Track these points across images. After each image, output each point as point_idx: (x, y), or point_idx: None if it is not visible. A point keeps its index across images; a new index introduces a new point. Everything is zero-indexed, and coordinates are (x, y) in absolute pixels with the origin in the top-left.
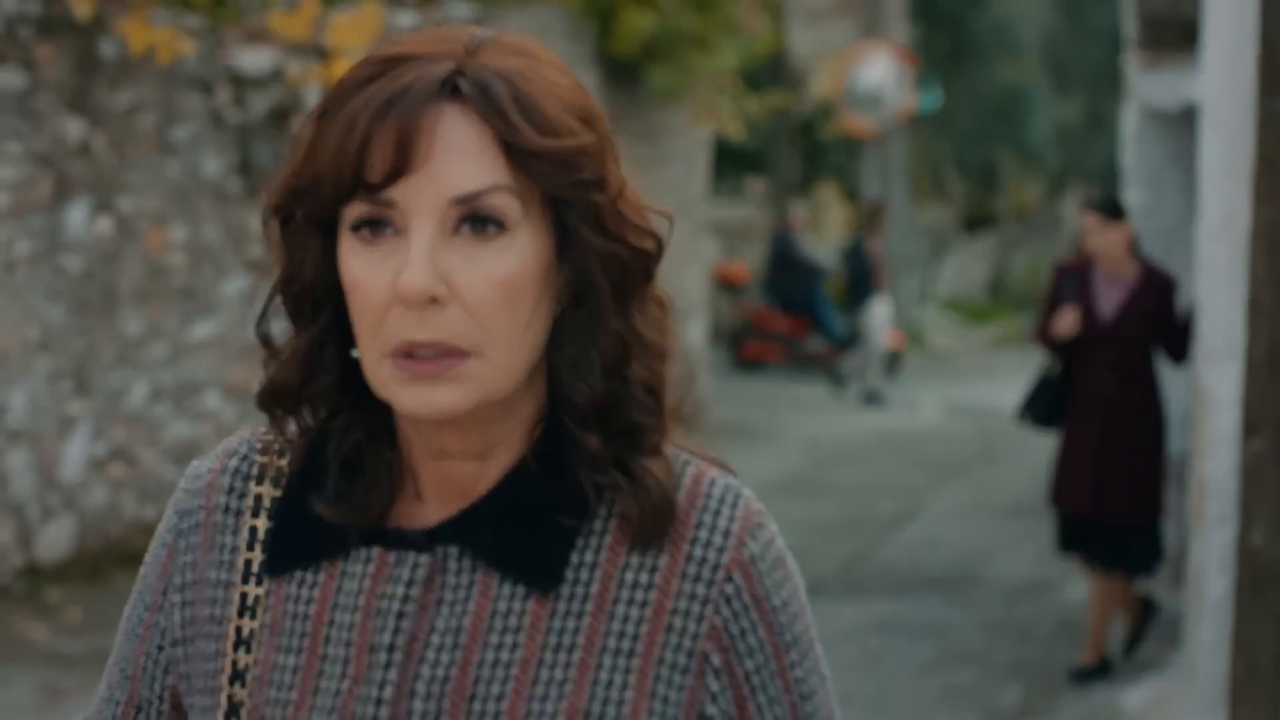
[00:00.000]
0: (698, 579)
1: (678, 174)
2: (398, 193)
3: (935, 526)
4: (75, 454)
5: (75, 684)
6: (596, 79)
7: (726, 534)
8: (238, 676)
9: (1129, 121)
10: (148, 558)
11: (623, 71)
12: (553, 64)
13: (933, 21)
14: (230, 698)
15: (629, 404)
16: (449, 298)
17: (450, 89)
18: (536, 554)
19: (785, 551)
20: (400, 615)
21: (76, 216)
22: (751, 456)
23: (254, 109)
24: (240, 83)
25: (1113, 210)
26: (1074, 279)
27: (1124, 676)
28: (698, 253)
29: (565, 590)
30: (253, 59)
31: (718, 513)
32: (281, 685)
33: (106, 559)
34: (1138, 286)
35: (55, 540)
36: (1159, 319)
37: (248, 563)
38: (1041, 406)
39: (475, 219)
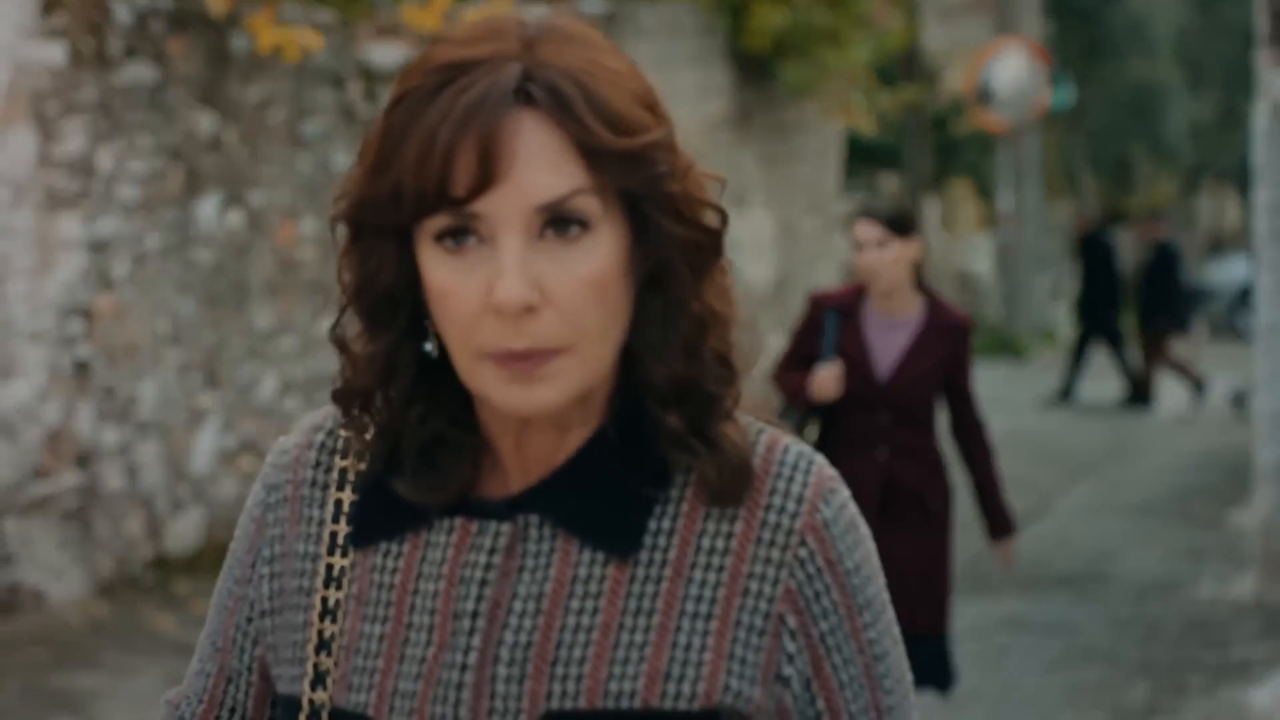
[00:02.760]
0: (772, 543)
1: (809, 170)
2: (482, 204)
3: (1065, 524)
4: (205, 447)
5: None
6: (728, 74)
7: (800, 499)
8: (324, 645)
9: (1259, 119)
10: (237, 532)
11: (755, 67)
12: (610, 51)
13: (1066, 18)
14: (316, 666)
15: (704, 376)
16: (542, 303)
17: (524, 96)
18: (615, 521)
19: (857, 517)
20: (483, 583)
21: (207, 210)
22: None
23: (385, 103)
24: (372, 77)
25: (899, 223)
26: (836, 316)
27: (1251, 675)
28: (830, 249)
29: (644, 556)
30: (384, 53)
31: (791, 479)
32: (368, 654)
33: None
34: (922, 329)
35: (184, 532)
36: (949, 374)
37: (333, 535)
38: None
39: (560, 221)
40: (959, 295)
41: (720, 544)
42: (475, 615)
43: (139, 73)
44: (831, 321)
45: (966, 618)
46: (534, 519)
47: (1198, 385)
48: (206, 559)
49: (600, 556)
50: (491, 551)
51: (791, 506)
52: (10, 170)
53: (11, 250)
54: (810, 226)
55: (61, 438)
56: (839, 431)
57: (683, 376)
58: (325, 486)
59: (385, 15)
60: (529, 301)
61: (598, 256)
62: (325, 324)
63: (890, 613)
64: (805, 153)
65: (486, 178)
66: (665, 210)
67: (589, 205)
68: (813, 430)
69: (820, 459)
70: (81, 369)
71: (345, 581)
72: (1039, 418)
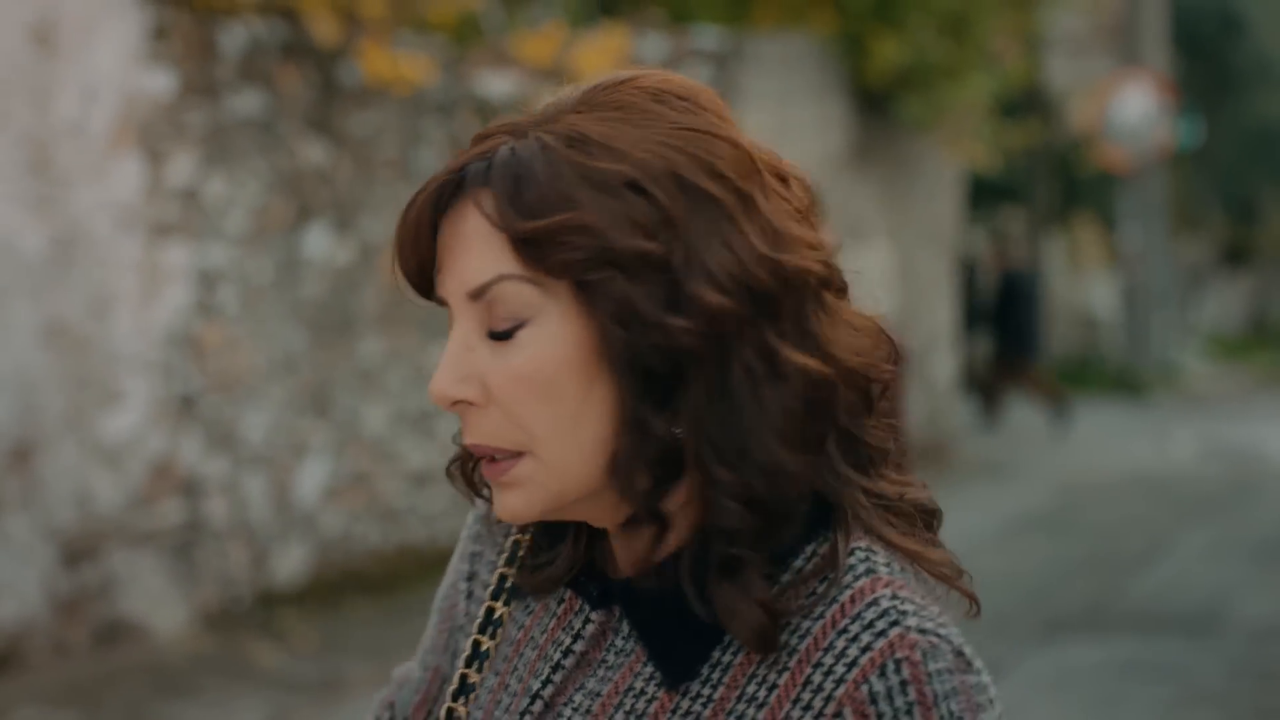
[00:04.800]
0: (808, 707)
1: (929, 205)
2: (441, 293)
3: (1183, 566)
4: (312, 479)
5: (305, 710)
6: (847, 108)
7: (852, 664)
8: (463, 690)
9: None
10: (462, 535)
11: (874, 101)
12: (648, 118)
13: (1193, 53)
14: (450, 711)
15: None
16: (486, 400)
17: (472, 180)
18: (681, 642)
19: (941, 698)
20: (558, 666)
21: (316, 240)
22: (999, 493)
23: None
24: (483, 107)
25: None
26: None
27: None
28: (949, 286)
29: (695, 687)
30: (496, 83)
31: (856, 637)
32: (478, 702)
33: (342, 586)
34: None
35: (289, 565)
36: None
37: (502, 577)
38: None
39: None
40: (1081, 333)
41: (761, 694)
42: (537, 697)
43: (248, 102)
44: None
45: (1080, 660)
46: (623, 613)
47: (1059, 410)
48: (311, 592)
49: (658, 675)
50: (577, 636)
51: (840, 670)
52: (118, 199)
53: (118, 280)
54: (930, 262)
55: (166, 469)
56: None
57: (740, 485)
58: (508, 527)
59: (497, 45)
60: (453, 395)
61: (535, 350)
62: (434, 356)
63: None
64: (925, 188)
65: (434, 267)
66: (608, 300)
67: (519, 293)
68: None
69: (919, 621)
70: (187, 399)
71: (498, 629)
72: (1157, 457)
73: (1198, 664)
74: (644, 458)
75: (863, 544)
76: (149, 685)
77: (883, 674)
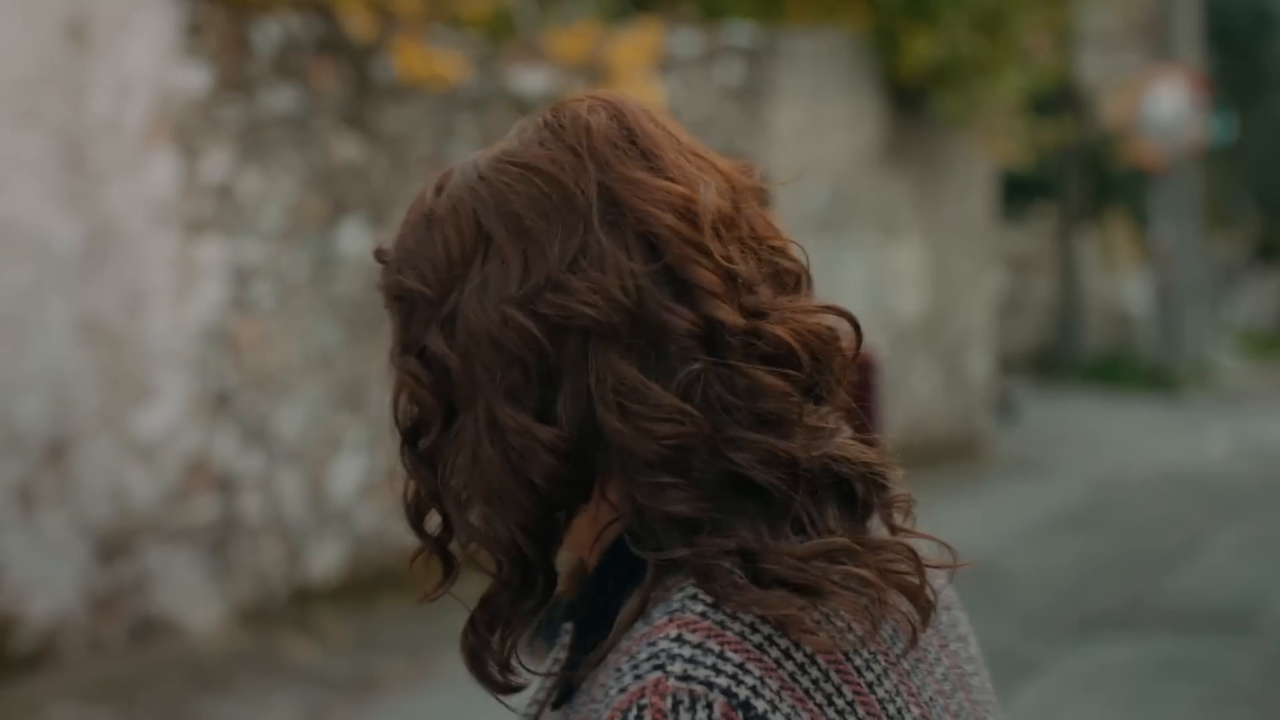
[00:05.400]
0: None
1: (961, 202)
2: None
3: (1217, 564)
4: (347, 476)
5: (340, 706)
6: (880, 104)
7: (608, 705)
8: None
9: None
10: None
11: (908, 98)
12: (505, 145)
13: (1226, 50)
14: None
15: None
16: None
17: None
18: (568, 662)
19: None
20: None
21: (351, 236)
22: (1033, 491)
23: None
24: (518, 104)
25: None
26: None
27: None
28: (982, 283)
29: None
30: (530, 80)
31: (620, 679)
32: None
33: (376, 583)
34: None
35: (325, 562)
36: None
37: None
38: None
39: None
40: (1114, 330)
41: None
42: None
43: (283, 98)
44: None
45: (1114, 658)
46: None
47: (1004, 404)
48: (345, 589)
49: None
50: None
51: (600, 710)
52: (152, 195)
53: (153, 276)
54: (962, 259)
55: (201, 465)
56: None
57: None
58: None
59: (532, 41)
60: None
61: None
62: None
63: None
64: (957, 184)
65: None
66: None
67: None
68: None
69: (685, 669)
70: (222, 396)
71: None
72: (1191, 455)
73: (1232, 662)
74: (419, 493)
75: (689, 591)
76: (184, 681)
77: (629, 715)
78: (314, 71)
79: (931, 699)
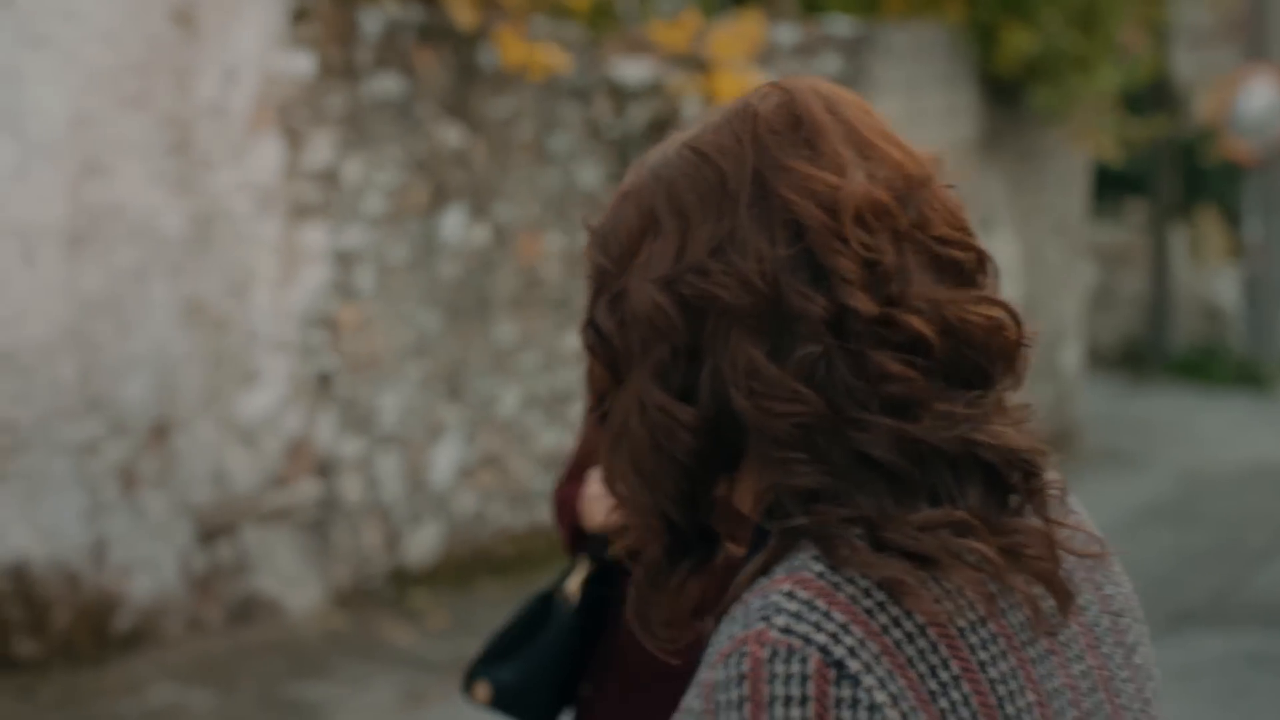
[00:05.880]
0: (695, 686)
1: (1056, 196)
2: None
3: None
4: (445, 460)
5: (437, 689)
6: (977, 97)
7: (716, 651)
8: None
9: None
10: None
11: (1003, 91)
12: (694, 132)
13: None
14: None
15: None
16: None
17: None
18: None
19: (779, 701)
20: None
21: (453, 223)
22: (1123, 483)
23: (633, 120)
24: (619, 93)
25: None
26: None
27: None
28: (1075, 276)
29: None
30: (632, 70)
31: (721, 630)
32: None
33: (474, 566)
34: None
35: (423, 545)
36: None
37: None
38: (532, 687)
39: None
40: (1204, 325)
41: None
42: None
43: (387, 84)
44: None
45: (1205, 652)
46: None
47: None
48: (444, 572)
49: None
50: None
51: (711, 656)
52: (257, 180)
53: (257, 260)
54: (1056, 253)
55: (302, 448)
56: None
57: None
58: None
59: (634, 32)
60: None
61: None
62: (567, 340)
63: None
64: (1052, 178)
65: None
66: None
67: None
68: (576, 578)
69: (788, 622)
70: (324, 379)
71: None
72: None
73: None
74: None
75: (811, 553)
76: (282, 663)
77: (726, 664)
78: (417, 59)
79: (1057, 690)
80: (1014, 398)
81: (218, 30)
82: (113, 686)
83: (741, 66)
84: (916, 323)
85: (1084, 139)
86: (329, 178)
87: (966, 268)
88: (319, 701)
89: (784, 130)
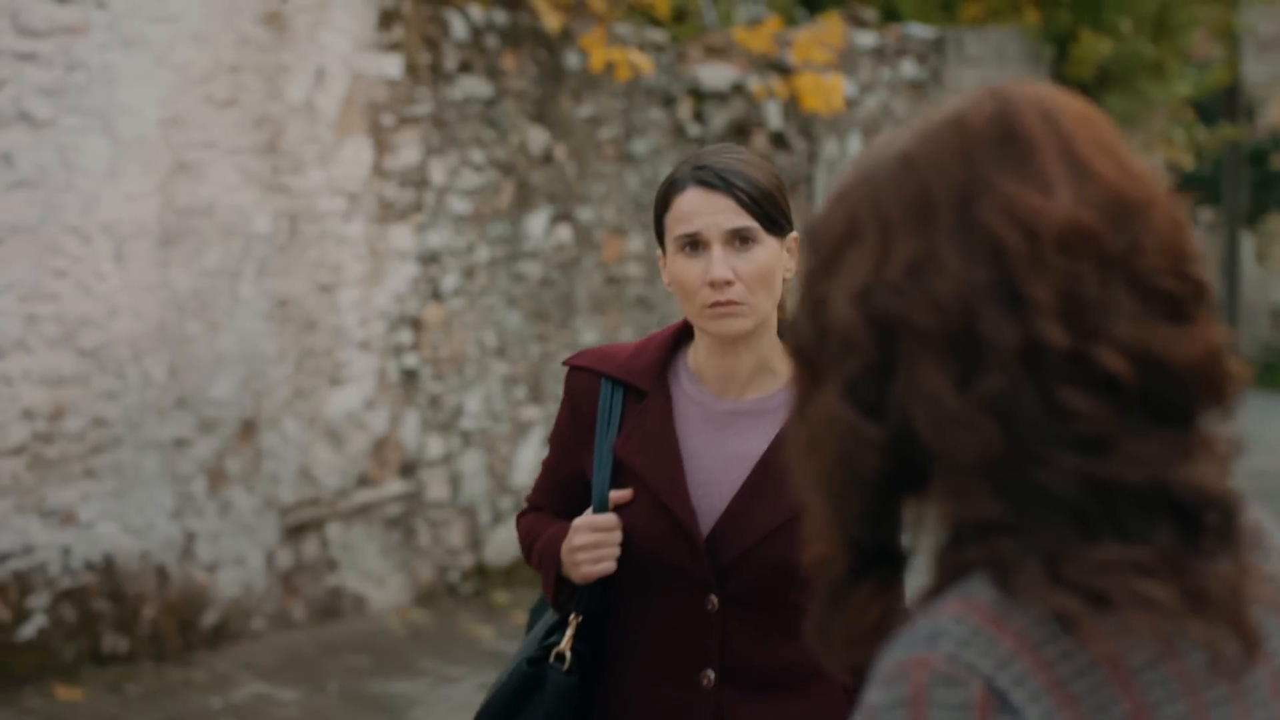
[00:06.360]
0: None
1: None
2: None
3: None
4: (527, 459)
5: None
6: None
7: (878, 672)
8: None
9: None
10: None
11: (1078, 95)
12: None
13: None
14: None
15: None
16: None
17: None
18: None
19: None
20: None
21: (536, 225)
22: None
23: (714, 123)
24: (701, 96)
25: (768, 203)
26: (619, 398)
27: None
28: None
29: None
30: (714, 73)
31: (887, 652)
32: None
33: None
34: None
35: (505, 544)
36: None
37: None
38: None
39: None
40: (1272, 330)
41: None
42: None
43: (473, 87)
44: (608, 412)
45: None
46: None
47: None
48: (525, 570)
49: None
50: None
51: (874, 676)
52: (346, 181)
53: (345, 259)
54: None
55: (387, 446)
56: (624, 637)
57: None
58: None
59: (716, 36)
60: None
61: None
62: None
63: None
64: None
65: None
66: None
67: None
68: (563, 634)
69: (955, 649)
70: (409, 378)
71: None
72: None
73: None
74: None
75: (985, 579)
76: (367, 659)
77: (889, 687)
78: (503, 61)
79: None
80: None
81: (307, 32)
82: (199, 682)
83: (823, 70)
84: (1112, 360)
85: (1156, 145)
86: (415, 179)
87: (1180, 299)
88: (403, 697)
89: (994, 144)
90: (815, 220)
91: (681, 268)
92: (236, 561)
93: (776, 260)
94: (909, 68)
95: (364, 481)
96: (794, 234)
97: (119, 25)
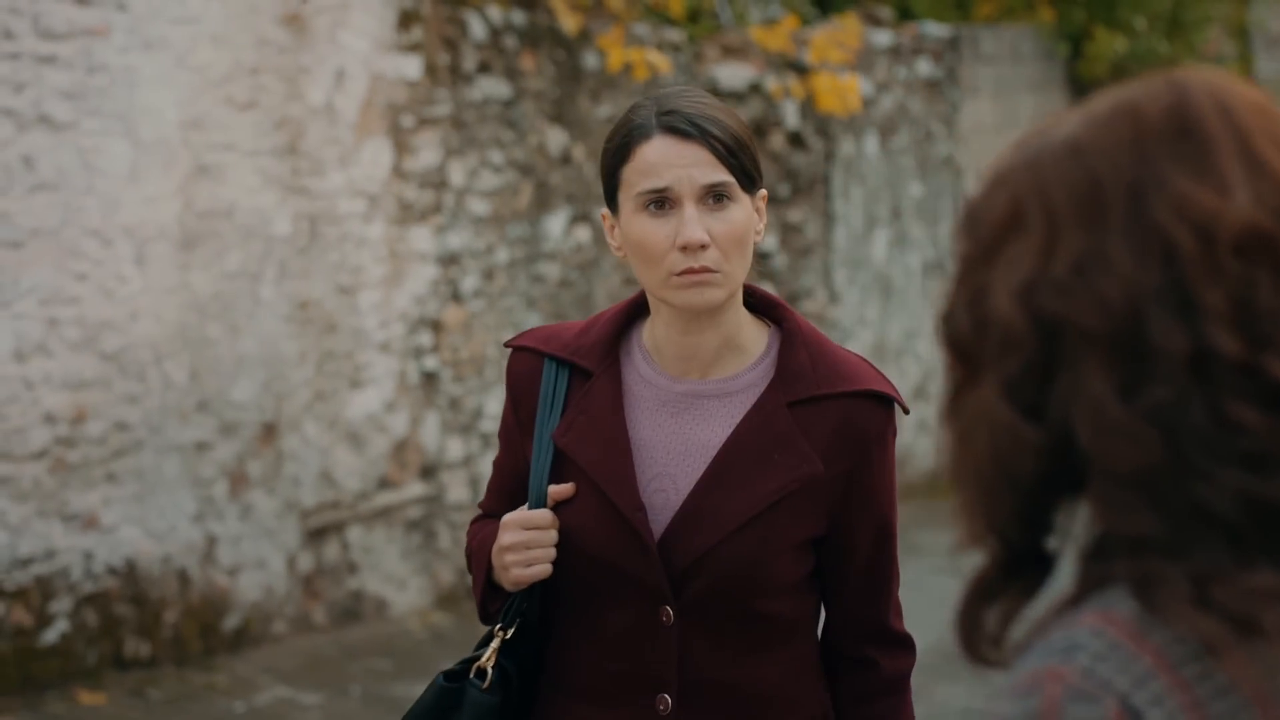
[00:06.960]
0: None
1: None
2: None
3: None
4: None
5: None
6: (1066, 101)
7: (1010, 682)
8: None
9: None
10: None
11: (1091, 93)
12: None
13: None
14: None
15: None
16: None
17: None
18: None
19: None
20: None
21: (556, 225)
22: None
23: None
24: (718, 96)
25: (743, 157)
26: (564, 380)
27: None
28: None
29: None
30: (731, 73)
31: (1019, 661)
32: None
33: None
34: (766, 409)
35: None
36: (836, 518)
37: None
38: None
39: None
40: None
41: None
42: None
43: (492, 88)
44: (550, 397)
45: None
46: None
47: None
48: None
49: None
50: None
51: (1005, 686)
52: (365, 182)
53: (364, 261)
54: None
55: (407, 448)
56: (565, 654)
57: None
58: None
59: (733, 35)
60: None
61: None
62: None
63: None
64: None
65: None
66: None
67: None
68: (490, 651)
69: (1090, 663)
70: (429, 380)
71: None
72: None
73: None
74: None
75: (1127, 592)
76: (388, 662)
77: (1021, 699)
78: (522, 62)
79: None
80: None
81: (327, 33)
82: (222, 686)
83: (840, 70)
84: None
85: None
86: (435, 180)
87: None
88: None
89: (1169, 138)
90: (974, 202)
91: (644, 229)
92: (258, 565)
93: (751, 221)
94: (924, 66)
95: (384, 484)
96: (763, 191)
97: (139, 27)
